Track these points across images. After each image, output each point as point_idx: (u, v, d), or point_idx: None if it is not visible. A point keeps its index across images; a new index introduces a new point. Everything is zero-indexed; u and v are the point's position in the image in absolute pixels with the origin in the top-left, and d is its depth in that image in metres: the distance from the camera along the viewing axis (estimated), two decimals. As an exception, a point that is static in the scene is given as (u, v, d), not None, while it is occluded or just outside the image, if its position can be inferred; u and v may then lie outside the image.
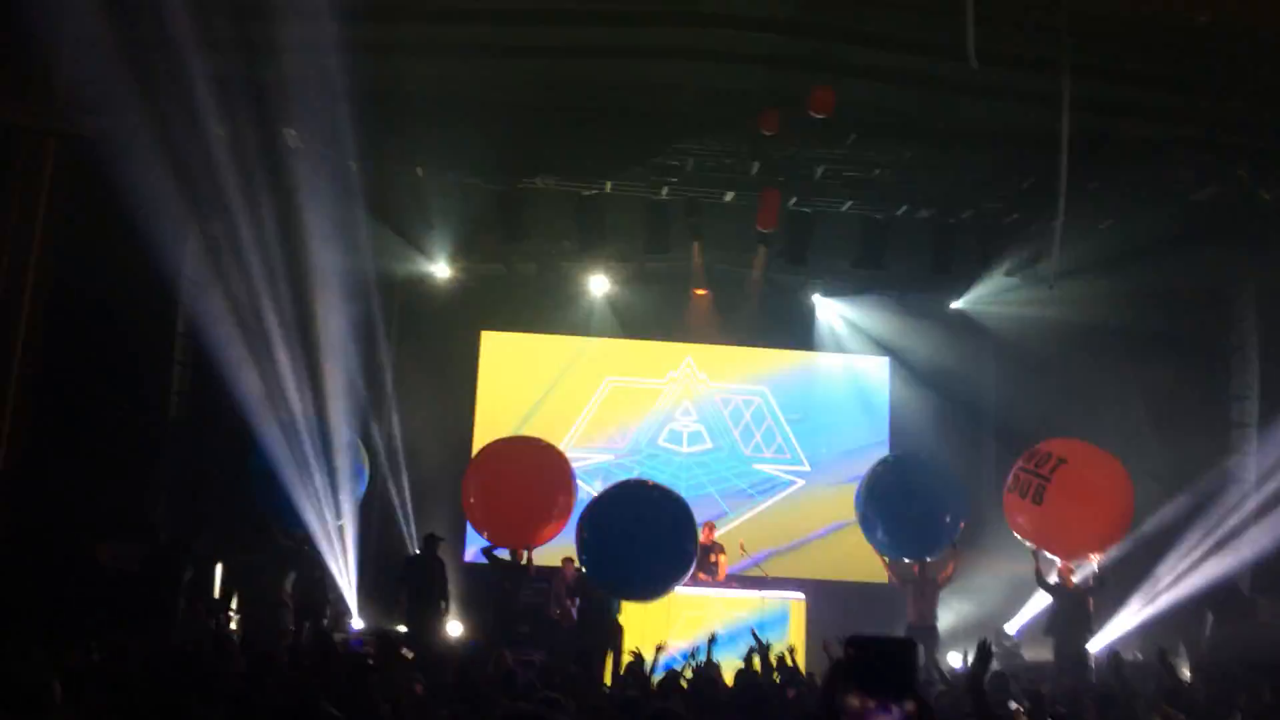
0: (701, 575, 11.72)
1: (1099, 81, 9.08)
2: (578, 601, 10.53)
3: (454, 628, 11.83)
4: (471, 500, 10.69)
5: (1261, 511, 11.54)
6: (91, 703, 4.01)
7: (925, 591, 10.91)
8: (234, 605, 10.73)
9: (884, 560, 11.29)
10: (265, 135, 10.05)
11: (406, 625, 10.23)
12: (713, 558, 11.83)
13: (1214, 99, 9.43)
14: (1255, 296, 12.55)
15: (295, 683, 3.02)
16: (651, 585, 9.82)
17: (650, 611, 10.70)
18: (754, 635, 8.24)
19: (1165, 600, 11.47)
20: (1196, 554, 11.53)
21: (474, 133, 10.42)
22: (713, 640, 8.39)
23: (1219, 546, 11.52)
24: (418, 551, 11.24)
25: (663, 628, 10.61)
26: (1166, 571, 11.57)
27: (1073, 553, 10.38)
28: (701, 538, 11.93)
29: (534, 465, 10.75)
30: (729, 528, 13.04)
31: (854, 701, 2.01)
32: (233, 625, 10.47)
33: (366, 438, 11.90)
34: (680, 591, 11.29)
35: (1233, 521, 11.64)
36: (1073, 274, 11.57)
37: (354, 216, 11.03)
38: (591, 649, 9.80)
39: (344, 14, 8.31)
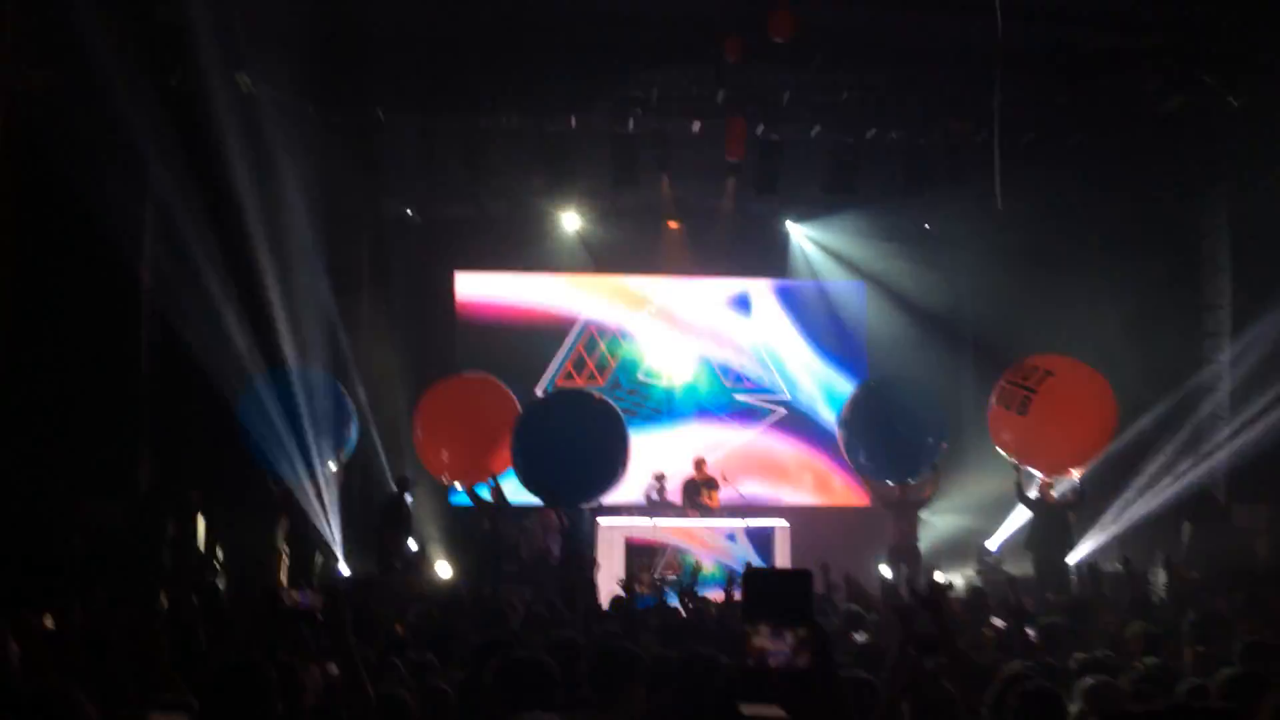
0: (690, 510, 11.85)
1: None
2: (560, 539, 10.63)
3: (443, 569, 11.95)
4: (424, 449, 10.81)
5: (1235, 419, 11.66)
6: (65, 665, 4.01)
7: (906, 513, 11.03)
8: (219, 559, 10.77)
9: (866, 483, 11.39)
10: (218, 82, 9.82)
11: (381, 570, 10.33)
12: (707, 492, 11.94)
13: (1176, 5, 9.32)
14: (1225, 205, 12.53)
15: (242, 640, 3.04)
16: (577, 484, 10.04)
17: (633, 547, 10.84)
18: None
19: (1142, 511, 11.64)
20: (1172, 464, 11.68)
21: (432, 72, 10.24)
22: (696, 572, 8.51)
23: (1194, 456, 11.67)
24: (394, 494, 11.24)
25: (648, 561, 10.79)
26: (1143, 482, 11.73)
27: (1056, 466, 10.49)
28: (693, 474, 12.11)
29: (466, 401, 10.90)
30: (711, 460, 13.09)
31: (750, 630, 2.04)
32: (219, 581, 10.51)
33: (346, 383, 11.86)
34: (665, 524, 11.46)
35: (1207, 430, 11.78)
36: (1044, 189, 11.54)
37: (315, 162, 10.85)
38: (575, 584, 9.90)
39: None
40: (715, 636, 5.51)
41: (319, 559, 10.96)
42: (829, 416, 13.19)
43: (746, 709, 2.05)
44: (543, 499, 10.45)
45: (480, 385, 11.34)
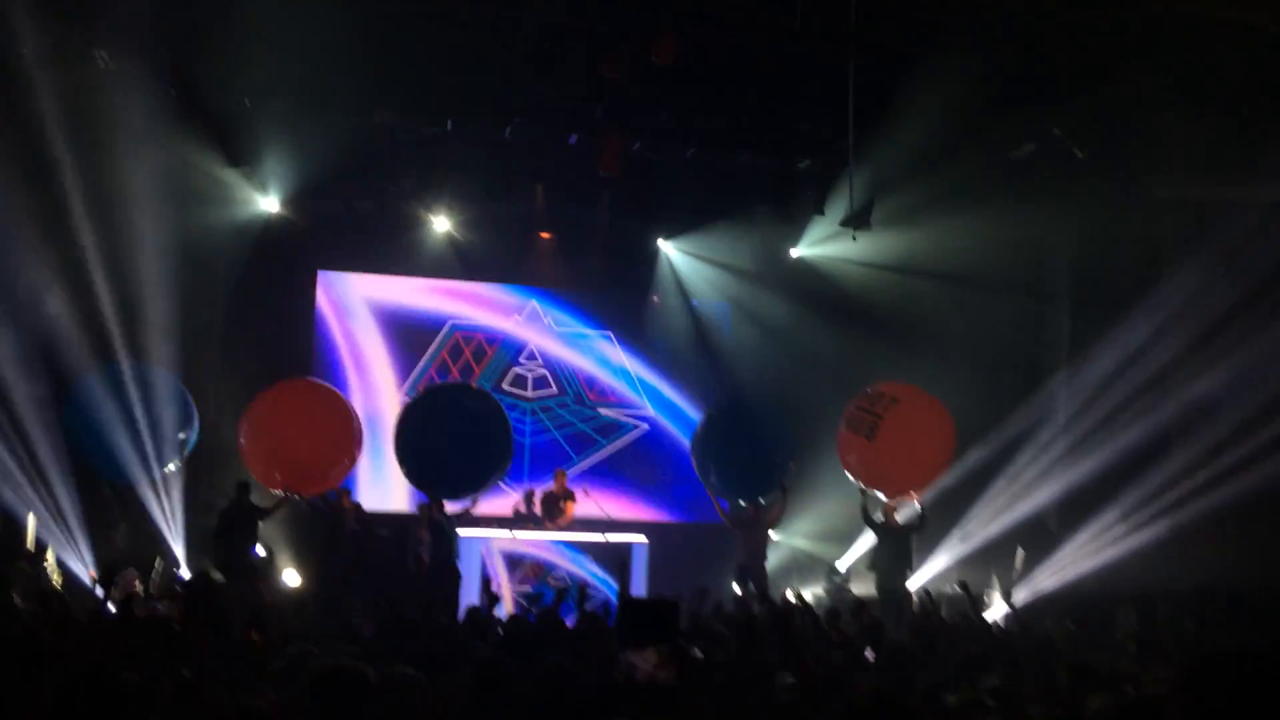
0: (548, 524, 11.82)
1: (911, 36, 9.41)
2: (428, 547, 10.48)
3: (291, 577, 11.59)
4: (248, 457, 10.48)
5: (1068, 452, 12.40)
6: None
7: (755, 532, 11.26)
8: (50, 560, 10.16)
9: (716, 503, 11.57)
10: (75, 56, 9.33)
11: (223, 576, 9.94)
12: (561, 505, 11.94)
13: (1022, 60, 9.89)
14: (1069, 249, 13.35)
15: (94, 648, 2.88)
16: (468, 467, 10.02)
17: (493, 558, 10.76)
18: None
19: (979, 537, 12.24)
20: (1007, 493, 12.32)
21: (305, 63, 9.95)
22: (564, 591, 8.55)
23: (1028, 485, 12.34)
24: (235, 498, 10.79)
25: (502, 573, 10.70)
26: (980, 510, 12.33)
27: (899, 489, 10.91)
28: (553, 486, 12.09)
29: (290, 414, 10.59)
30: (573, 472, 13.10)
31: (627, 653, 2.16)
32: (55, 580, 9.93)
33: (196, 381, 11.40)
34: (524, 538, 11.41)
35: (1041, 461, 12.47)
36: (900, 221, 12.03)
37: (174, 149, 10.42)
38: (435, 596, 9.76)
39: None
40: (570, 648, 5.52)
41: (159, 564, 10.47)
42: (689, 433, 13.37)
43: None
44: (427, 489, 10.26)
45: (306, 395, 10.98)
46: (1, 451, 9.87)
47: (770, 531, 11.59)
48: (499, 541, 11.23)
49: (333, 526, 10.62)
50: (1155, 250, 12.26)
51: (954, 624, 8.86)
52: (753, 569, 11.04)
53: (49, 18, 8.92)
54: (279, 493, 10.33)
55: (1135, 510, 11.47)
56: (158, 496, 10.79)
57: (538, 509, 12.15)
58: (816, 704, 4.01)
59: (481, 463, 10.10)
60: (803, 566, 13.01)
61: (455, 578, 10.27)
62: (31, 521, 10.18)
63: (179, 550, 10.83)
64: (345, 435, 10.57)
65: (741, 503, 11.51)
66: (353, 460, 10.71)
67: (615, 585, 10.59)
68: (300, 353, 13.14)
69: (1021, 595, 11.41)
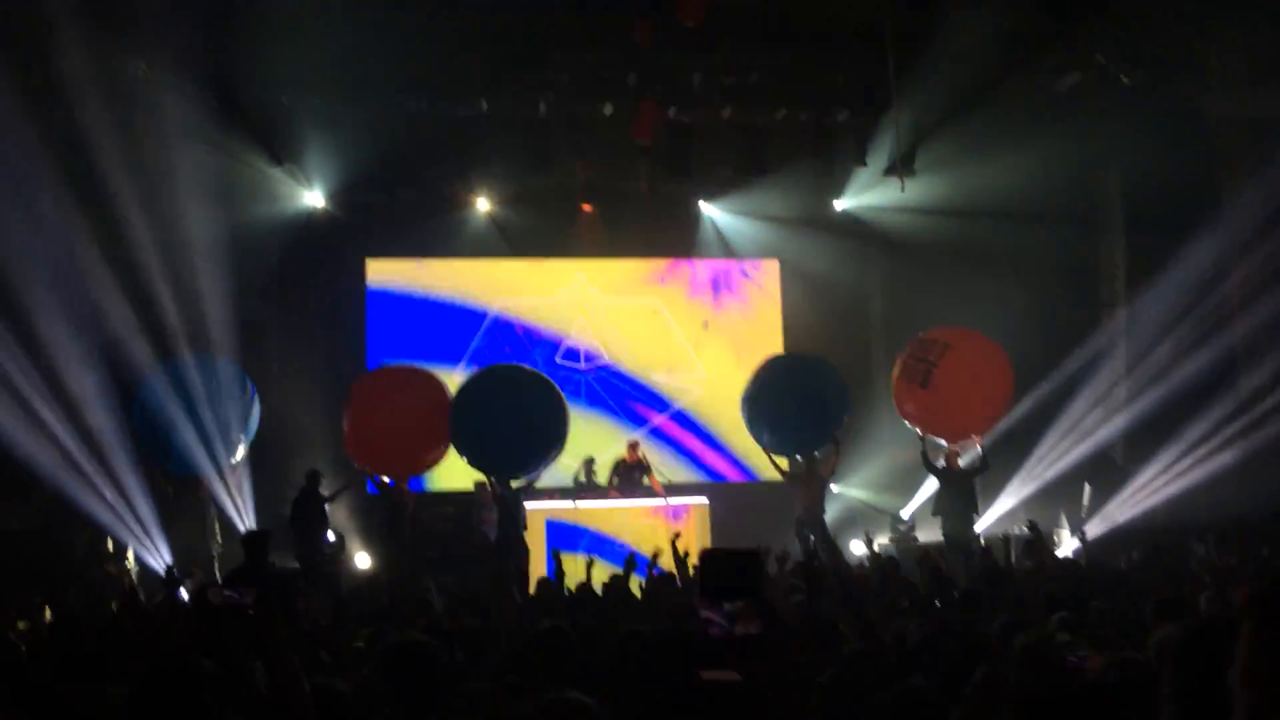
0: (613, 492, 11.91)
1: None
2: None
3: (362, 560, 11.86)
4: (348, 434, 10.67)
5: (1131, 384, 12.20)
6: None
7: (811, 486, 11.24)
8: (130, 559, 10.50)
9: (772, 459, 11.54)
10: (115, 69, 9.53)
11: (299, 563, 10.21)
12: (643, 478, 12.02)
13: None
14: (1119, 179, 13.05)
15: (169, 639, 3.01)
16: (524, 447, 10.09)
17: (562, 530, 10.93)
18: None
19: (1045, 475, 12.12)
20: (1072, 429, 12.17)
21: (338, 57, 10.06)
22: (632, 560, 8.60)
23: (1092, 420, 12.18)
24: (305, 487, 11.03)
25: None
26: (1045, 448, 12.20)
27: (958, 434, 10.84)
28: (626, 456, 12.19)
29: (405, 398, 10.71)
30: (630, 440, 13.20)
31: (703, 606, 2.22)
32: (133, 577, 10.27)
33: (255, 373, 11.67)
34: (585, 506, 11.54)
35: (1104, 396, 12.29)
36: (946, 164, 11.85)
37: (218, 151, 10.62)
38: (505, 572, 9.92)
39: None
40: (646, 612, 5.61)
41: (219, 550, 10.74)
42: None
43: (705, 674, 2.21)
44: (488, 470, 10.42)
45: (417, 380, 11.15)
46: (76, 454, 10.18)
47: (828, 484, 11.56)
48: (559, 511, 11.34)
49: (395, 510, 10.80)
50: (1211, 172, 11.95)
51: (1023, 566, 8.84)
52: (812, 522, 11.04)
53: (88, 31, 9.08)
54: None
55: (1203, 440, 11.27)
56: (227, 487, 11.06)
57: (597, 479, 12.26)
58: (882, 653, 4.06)
59: (540, 441, 10.18)
60: (865, 517, 12.98)
61: (523, 551, 10.42)
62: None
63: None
64: (442, 424, 10.75)
65: (798, 457, 11.50)
66: (445, 449, 10.83)
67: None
68: (353, 339, 13.36)
69: (1093, 529, 11.32)
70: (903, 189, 11.33)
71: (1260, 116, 11.72)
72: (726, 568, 2.21)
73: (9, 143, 8.95)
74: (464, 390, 10.52)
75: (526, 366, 11.42)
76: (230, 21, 9.59)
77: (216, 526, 10.79)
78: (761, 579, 2.28)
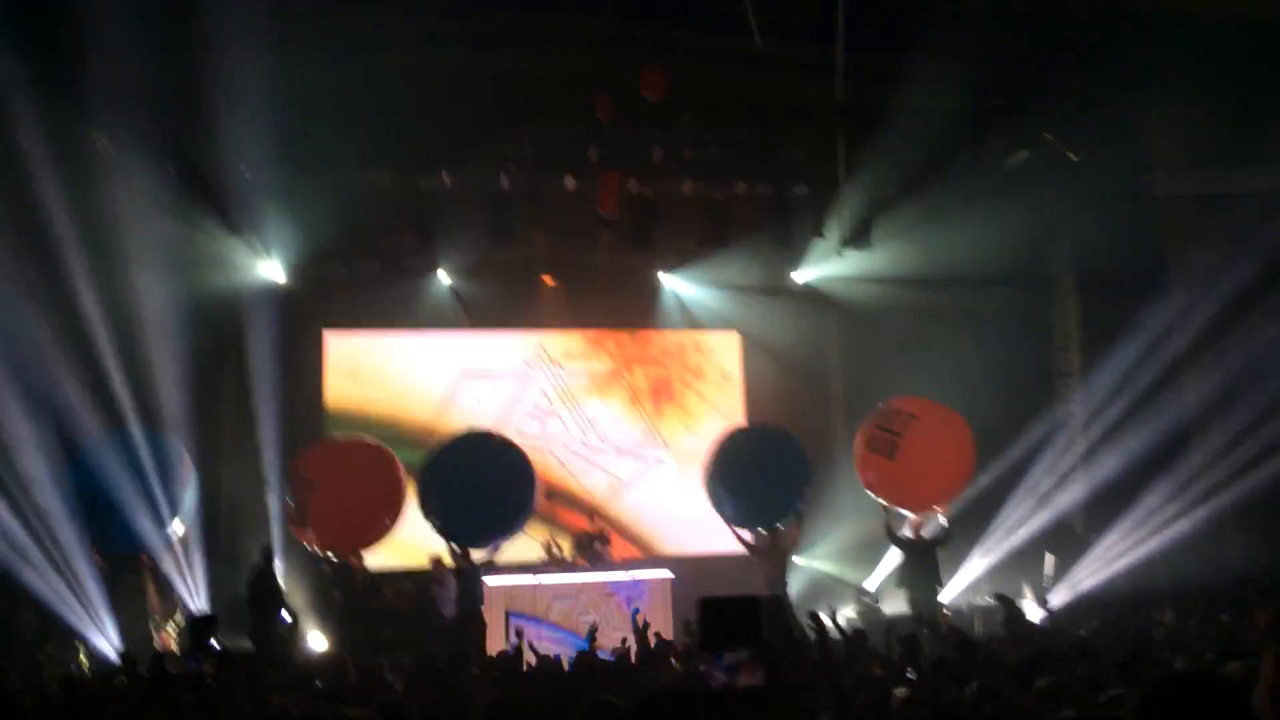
0: (579, 561, 11.79)
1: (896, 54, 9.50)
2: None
3: (316, 640, 11.51)
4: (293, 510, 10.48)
5: (1088, 455, 12.33)
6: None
7: (774, 558, 11.15)
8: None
9: (735, 531, 11.45)
10: (73, 140, 9.47)
11: (253, 644, 9.86)
12: (598, 546, 11.90)
13: (1011, 67, 9.97)
14: (1071, 252, 13.34)
15: (132, 710, 2.86)
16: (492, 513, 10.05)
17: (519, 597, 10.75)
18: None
19: (1007, 545, 12.15)
20: (1031, 500, 12.24)
21: (299, 129, 10.08)
22: (593, 631, 8.55)
23: (1052, 491, 12.26)
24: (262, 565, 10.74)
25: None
26: (1005, 518, 12.25)
27: (923, 505, 10.84)
28: (588, 527, 12.07)
29: (352, 474, 10.58)
30: (589, 508, 13.07)
31: (704, 656, 2.15)
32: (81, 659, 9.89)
33: (213, 447, 11.44)
34: (548, 580, 11.36)
35: (1062, 464, 12.40)
36: (902, 235, 12.06)
37: (177, 219, 10.53)
38: (465, 648, 9.69)
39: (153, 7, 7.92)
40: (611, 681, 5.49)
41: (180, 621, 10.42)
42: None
43: None
44: (454, 538, 10.24)
45: (364, 452, 11.03)
46: (19, 532, 9.86)
47: (791, 556, 11.48)
48: (519, 588, 11.16)
49: (348, 586, 10.55)
50: (1159, 245, 12.26)
51: (993, 635, 8.78)
52: (773, 596, 10.93)
53: (45, 104, 9.05)
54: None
55: (1160, 507, 11.38)
56: (177, 565, 10.76)
57: (561, 551, 12.11)
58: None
59: (508, 509, 10.08)
60: (829, 590, 12.89)
61: (481, 626, 10.20)
62: None
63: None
64: (395, 494, 10.62)
65: (760, 529, 11.42)
66: (395, 520, 10.68)
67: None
68: (310, 412, 13.15)
69: (1056, 599, 11.32)
70: (840, 255, 11.48)
71: (1204, 193, 12.12)
72: (725, 616, 2.15)
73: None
74: (435, 457, 10.38)
75: (495, 433, 11.32)
76: (190, 95, 9.58)
77: (159, 605, 10.45)
78: (762, 627, 2.22)
